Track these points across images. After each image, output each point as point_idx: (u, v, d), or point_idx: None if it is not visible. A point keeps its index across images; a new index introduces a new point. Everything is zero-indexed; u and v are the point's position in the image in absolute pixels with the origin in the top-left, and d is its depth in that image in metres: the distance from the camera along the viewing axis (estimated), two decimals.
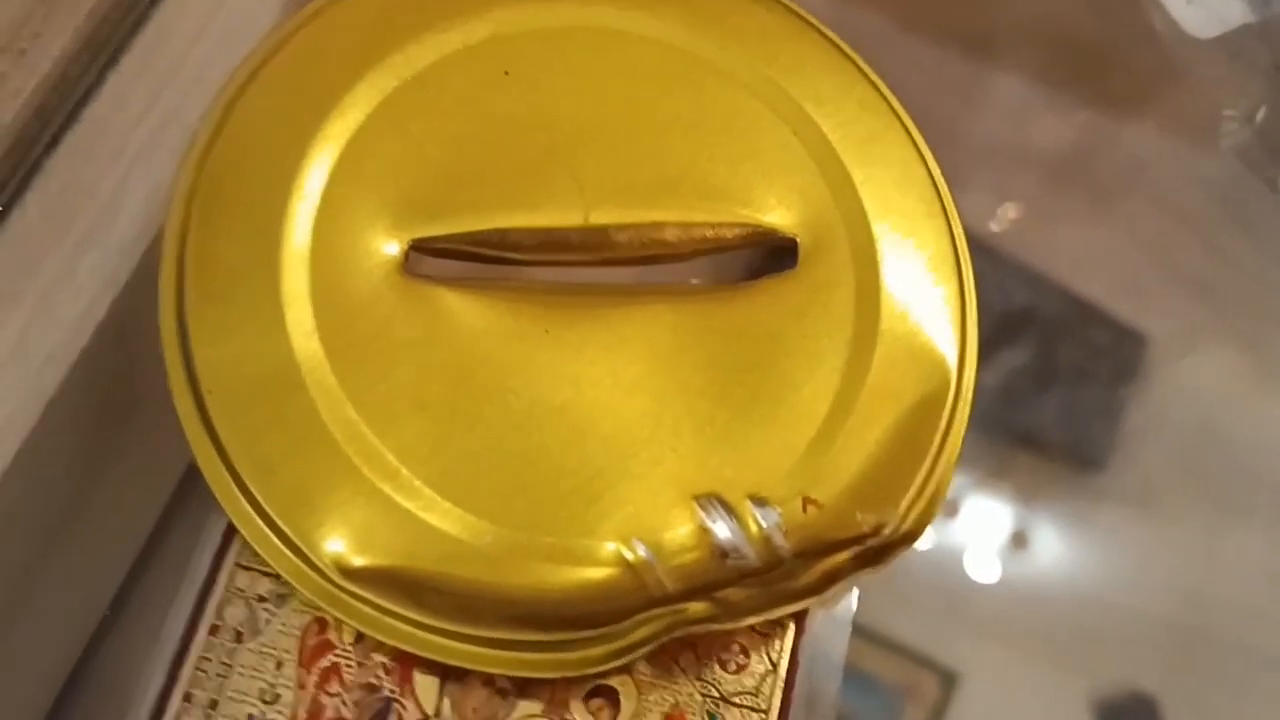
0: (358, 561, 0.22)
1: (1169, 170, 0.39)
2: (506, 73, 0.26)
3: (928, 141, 0.27)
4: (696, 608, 0.23)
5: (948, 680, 0.33)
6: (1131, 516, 0.35)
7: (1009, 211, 0.38)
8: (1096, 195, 0.39)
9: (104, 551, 0.28)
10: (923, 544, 0.33)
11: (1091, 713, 0.33)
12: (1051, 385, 0.37)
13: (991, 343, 0.37)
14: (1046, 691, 0.34)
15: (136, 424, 0.28)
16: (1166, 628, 0.34)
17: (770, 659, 0.24)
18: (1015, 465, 0.36)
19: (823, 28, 0.28)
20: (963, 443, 0.25)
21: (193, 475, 0.23)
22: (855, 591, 0.26)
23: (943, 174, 0.27)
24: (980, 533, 0.35)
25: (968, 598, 0.35)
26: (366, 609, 0.22)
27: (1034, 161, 0.39)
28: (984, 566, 0.35)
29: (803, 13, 0.28)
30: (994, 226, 0.39)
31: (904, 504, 0.24)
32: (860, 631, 0.32)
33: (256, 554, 0.23)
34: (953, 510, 0.36)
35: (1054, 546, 0.35)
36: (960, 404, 0.25)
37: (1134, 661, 0.34)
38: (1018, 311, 0.38)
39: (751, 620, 0.23)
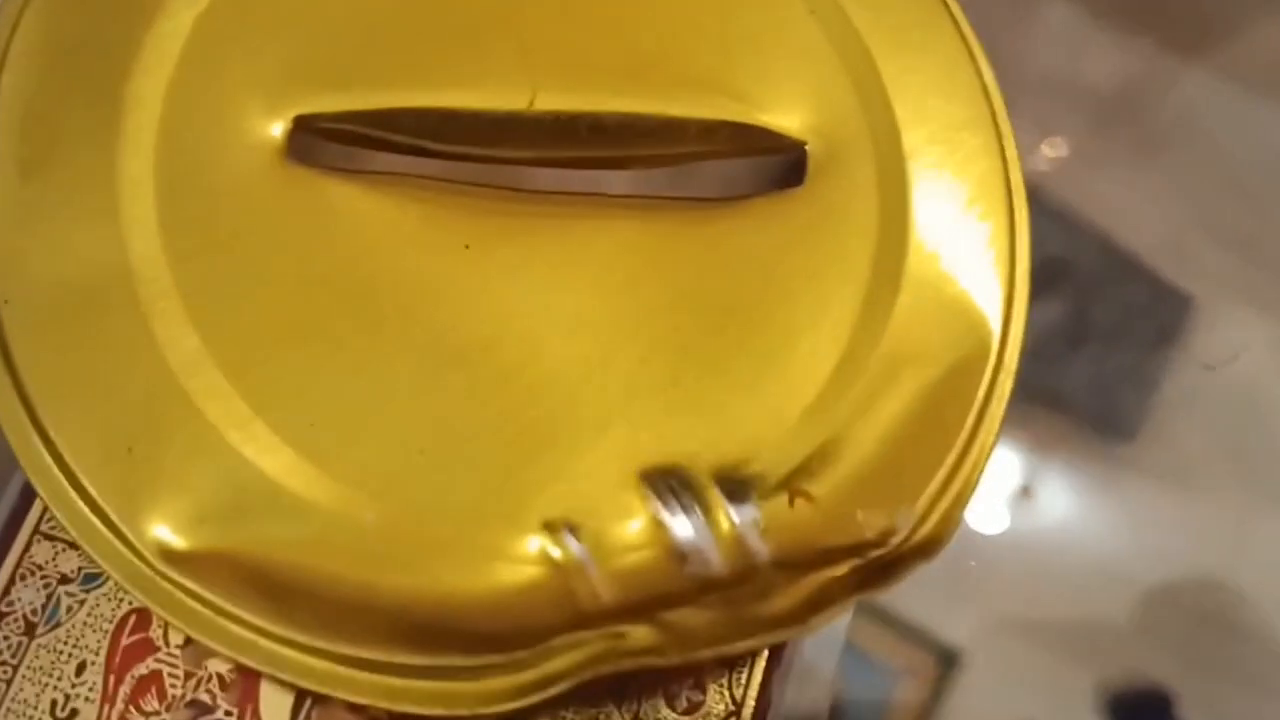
0: (189, 541, 0.18)
1: (1224, 120, 0.38)
2: None
3: None
4: (639, 634, 0.18)
5: (947, 661, 0.32)
6: (1158, 493, 0.34)
7: (1050, 150, 0.37)
8: (1145, 140, 0.38)
9: None
10: None
11: (1101, 704, 0.32)
12: (1083, 345, 0.35)
13: None
14: (1052, 679, 0.33)
15: None
16: (1186, 616, 0.33)
17: (732, 698, 0.20)
18: (1035, 426, 0.35)
19: None
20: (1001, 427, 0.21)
21: None
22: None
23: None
24: (989, 495, 0.34)
25: (971, 569, 0.33)
26: (197, 606, 0.18)
27: (1082, 97, 0.38)
28: (991, 532, 0.34)
29: None
30: (1032, 165, 0.37)
31: (922, 503, 0.20)
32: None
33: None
34: None
35: (1070, 518, 0.34)
36: (1001, 375, 0.21)
37: (1149, 651, 0.32)
38: (1051, 262, 0.37)
39: (708, 654, 0.18)
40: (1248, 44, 0.37)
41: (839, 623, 0.24)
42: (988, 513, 0.34)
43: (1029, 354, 0.38)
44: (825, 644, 0.24)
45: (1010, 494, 0.34)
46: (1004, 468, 0.34)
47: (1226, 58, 0.37)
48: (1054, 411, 0.35)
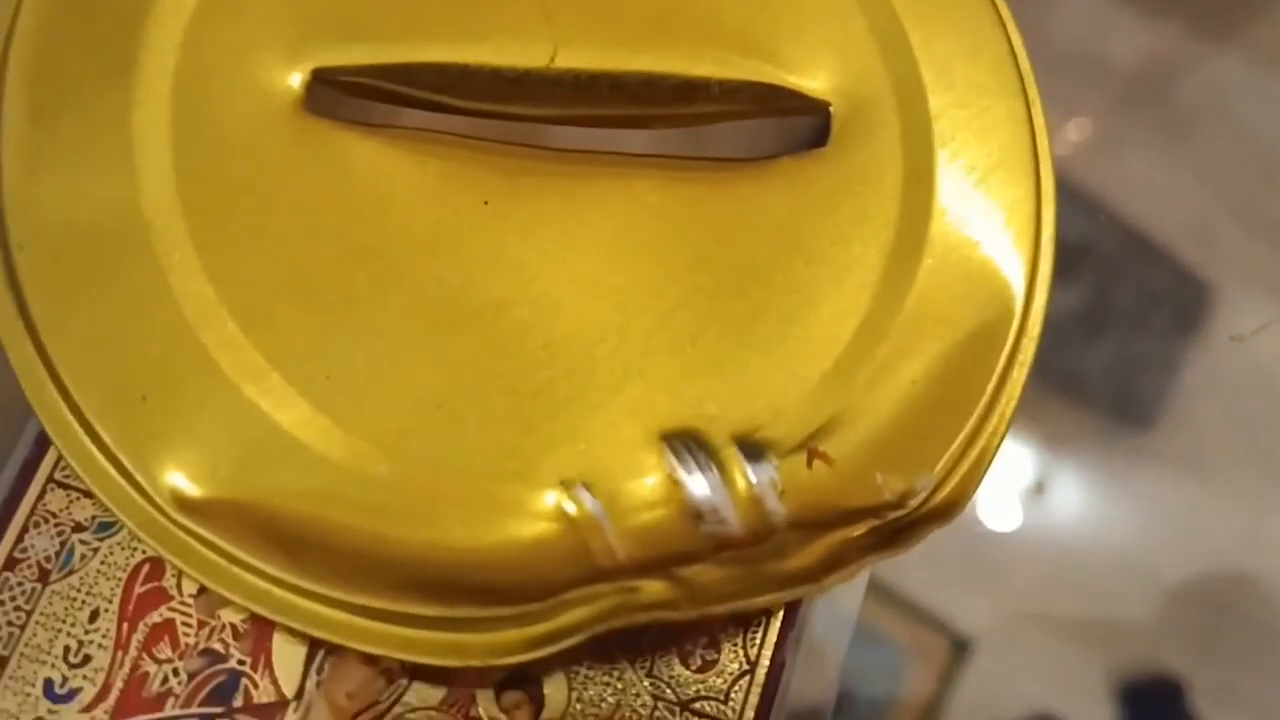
0: (203, 489, 0.18)
1: (1251, 102, 0.37)
2: None
3: None
4: (653, 588, 0.17)
5: (959, 647, 0.32)
6: (1175, 482, 0.33)
7: (1072, 130, 0.36)
8: (1170, 121, 0.37)
9: None
10: None
11: (1113, 692, 0.32)
12: (1103, 330, 0.35)
13: None
14: (1065, 667, 0.32)
15: None
16: (1200, 605, 0.32)
17: (747, 656, 0.19)
18: (1052, 412, 0.34)
19: None
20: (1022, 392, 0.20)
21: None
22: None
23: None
24: (1005, 483, 0.33)
25: (985, 555, 0.33)
26: (211, 554, 0.18)
27: (1106, 76, 0.37)
28: (1005, 520, 0.33)
29: None
30: (1053, 145, 0.37)
31: (941, 466, 0.19)
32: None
33: None
34: None
35: (1086, 506, 0.33)
36: (1024, 340, 0.20)
37: (1162, 640, 0.32)
38: (1071, 244, 0.35)
39: (722, 609, 0.18)
40: (1276, 25, 0.36)
41: (850, 602, 0.23)
42: (1002, 501, 0.33)
43: (1046, 339, 0.37)
44: (836, 622, 0.23)
45: (1025, 482, 0.33)
46: (1019, 454, 0.33)
47: (1254, 39, 0.36)
48: (1071, 397, 0.34)
